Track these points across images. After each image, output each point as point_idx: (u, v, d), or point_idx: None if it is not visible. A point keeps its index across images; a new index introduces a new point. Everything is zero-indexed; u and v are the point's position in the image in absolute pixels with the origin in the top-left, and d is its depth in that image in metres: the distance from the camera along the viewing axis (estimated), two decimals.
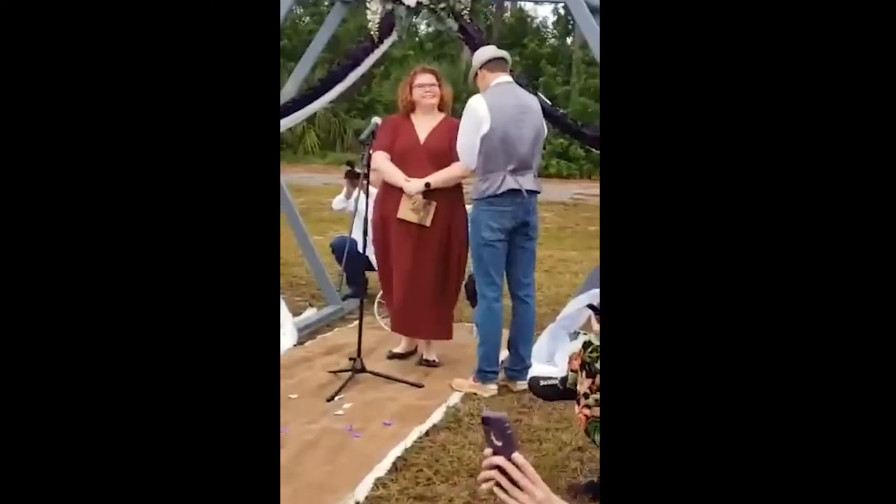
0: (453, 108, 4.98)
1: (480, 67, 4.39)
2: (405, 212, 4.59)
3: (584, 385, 3.03)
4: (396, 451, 3.55)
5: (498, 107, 4.21)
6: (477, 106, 4.24)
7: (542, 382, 3.93)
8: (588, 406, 2.99)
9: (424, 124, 4.69)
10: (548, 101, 4.75)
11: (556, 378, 3.55)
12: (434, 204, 4.58)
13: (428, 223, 4.59)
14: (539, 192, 4.40)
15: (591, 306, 3.29)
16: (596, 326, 3.08)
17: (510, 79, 4.42)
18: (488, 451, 1.44)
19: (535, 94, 4.56)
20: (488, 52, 4.44)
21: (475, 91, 4.43)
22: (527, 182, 4.30)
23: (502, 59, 4.40)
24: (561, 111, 4.75)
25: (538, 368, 4.53)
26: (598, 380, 2.96)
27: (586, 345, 3.09)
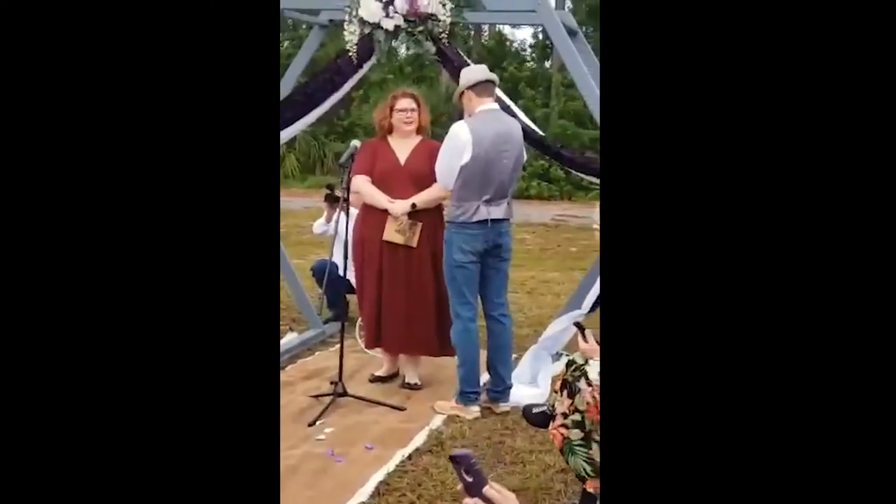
0: (432, 130, 4.99)
1: (468, 88, 4.33)
2: (391, 234, 4.58)
3: (562, 405, 3.01)
4: (379, 476, 3.53)
5: (481, 137, 4.19)
6: (461, 133, 4.21)
7: (535, 410, 3.92)
8: (565, 426, 2.98)
9: (403, 147, 4.70)
10: (531, 125, 4.76)
11: (544, 404, 3.55)
12: (420, 224, 4.58)
13: (415, 244, 4.58)
14: (509, 220, 4.41)
15: (577, 324, 3.29)
16: (582, 345, 3.07)
17: (496, 106, 4.39)
18: (460, 486, 1.50)
19: (517, 118, 4.56)
20: (478, 73, 4.37)
21: (455, 113, 4.43)
22: (500, 211, 4.30)
23: (490, 82, 4.36)
24: (541, 133, 4.75)
25: (520, 389, 4.53)
26: (576, 401, 2.95)
27: (569, 364, 3.08)
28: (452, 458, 1.53)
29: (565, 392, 3.01)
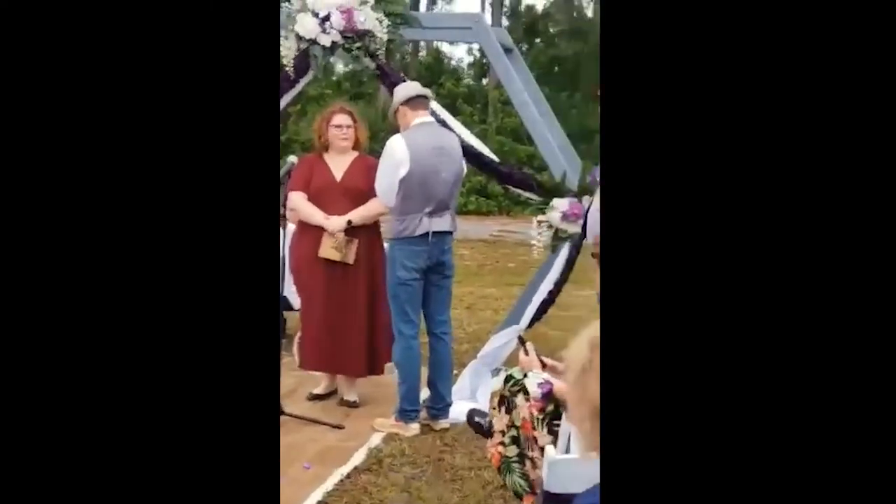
0: (371, 147, 4.98)
1: (402, 104, 4.34)
2: (327, 250, 4.55)
3: (500, 422, 3.01)
4: (317, 495, 3.49)
5: (418, 149, 4.20)
6: (397, 147, 4.21)
7: (476, 418, 3.91)
8: (503, 444, 2.98)
9: (339, 163, 4.67)
10: (472, 140, 4.77)
11: (486, 416, 3.55)
12: (356, 241, 4.55)
13: (351, 260, 4.56)
14: (453, 233, 4.42)
15: (519, 338, 3.29)
16: (523, 358, 3.07)
17: (432, 119, 4.41)
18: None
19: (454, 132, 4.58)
20: (410, 88, 4.39)
21: (392, 130, 4.43)
22: (444, 223, 4.31)
23: (424, 97, 4.38)
24: (479, 150, 4.77)
25: (460, 405, 4.52)
26: (513, 416, 2.95)
27: (507, 379, 3.08)
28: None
29: (503, 408, 3.01)
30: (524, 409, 2.92)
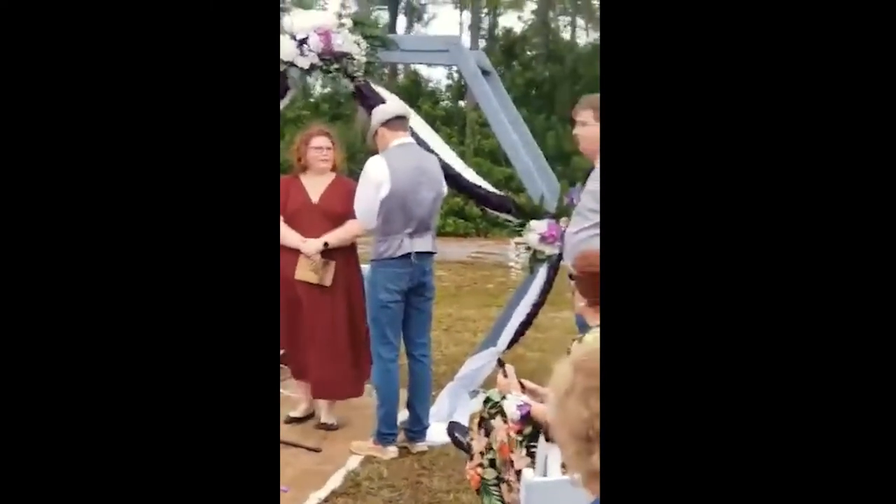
0: (348, 168, 4.97)
1: (381, 125, 4.32)
2: (304, 272, 4.53)
3: (479, 444, 3.01)
4: None
5: (398, 169, 4.19)
6: (376, 168, 4.20)
7: (457, 434, 3.90)
8: (481, 465, 2.97)
9: (316, 184, 4.66)
10: (451, 160, 4.77)
11: (467, 432, 3.54)
12: (333, 263, 4.54)
13: (328, 283, 4.54)
14: (435, 253, 4.42)
15: (499, 360, 3.29)
16: (501, 380, 3.07)
17: (411, 140, 4.40)
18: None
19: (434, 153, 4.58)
20: (389, 110, 4.38)
21: (371, 152, 4.43)
22: (425, 244, 4.31)
23: (403, 117, 4.37)
24: (458, 170, 4.78)
25: (437, 427, 4.51)
26: (491, 438, 2.95)
27: (486, 401, 3.08)
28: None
29: (482, 431, 3.01)
30: (501, 431, 2.92)
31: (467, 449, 3.30)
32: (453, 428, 3.75)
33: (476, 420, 3.10)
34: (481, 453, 2.98)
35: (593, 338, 2.74)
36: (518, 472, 2.79)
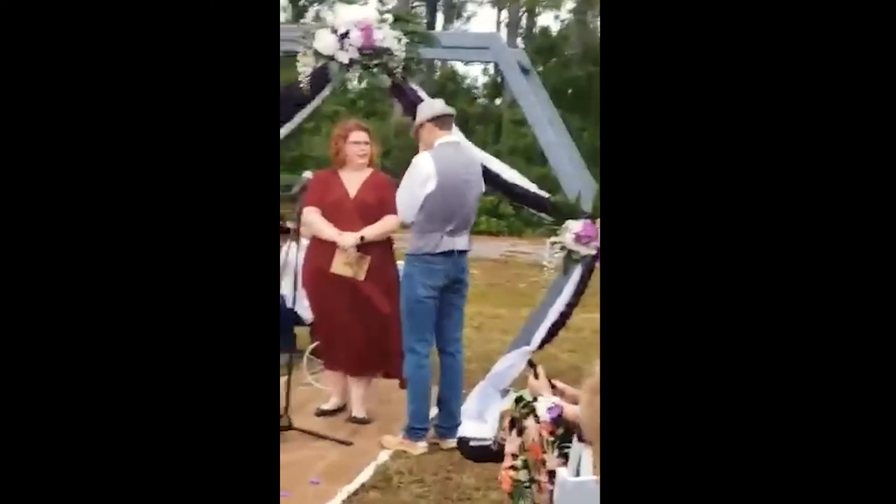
0: (381, 163, 4.99)
1: (428, 121, 4.32)
2: (339, 266, 4.55)
3: (512, 444, 3.00)
4: None
5: (445, 168, 4.20)
6: (424, 164, 4.21)
7: (472, 443, 3.89)
8: (515, 468, 2.95)
9: (354, 179, 4.68)
10: (491, 162, 4.76)
11: (488, 439, 3.52)
12: (368, 258, 4.55)
13: (362, 277, 4.55)
14: (468, 252, 4.42)
15: (529, 362, 3.28)
16: (532, 382, 3.07)
17: (458, 139, 4.41)
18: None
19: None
20: (436, 107, 4.38)
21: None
22: (463, 242, 4.32)
23: (449, 115, 4.37)
24: (495, 169, 4.77)
25: (468, 425, 4.51)
26: (525, 438, 2.94)
27: (518, 400, 3.07)
28: None
29: (514, 431, 3.00)
30: (534, 431, 2.91)
31: (495, 454, 3.29)
32: (467, 442, 3.74)
33: (507, 419, 3.09)
34: (514, 455, 2.97)
35: None
36: (550, 473, 2.78)
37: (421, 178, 4.20)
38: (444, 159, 4.23)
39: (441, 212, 4.21)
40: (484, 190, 4.54)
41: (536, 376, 3.06)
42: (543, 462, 2.87)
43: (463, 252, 4.35)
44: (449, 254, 4.26)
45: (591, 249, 4.53)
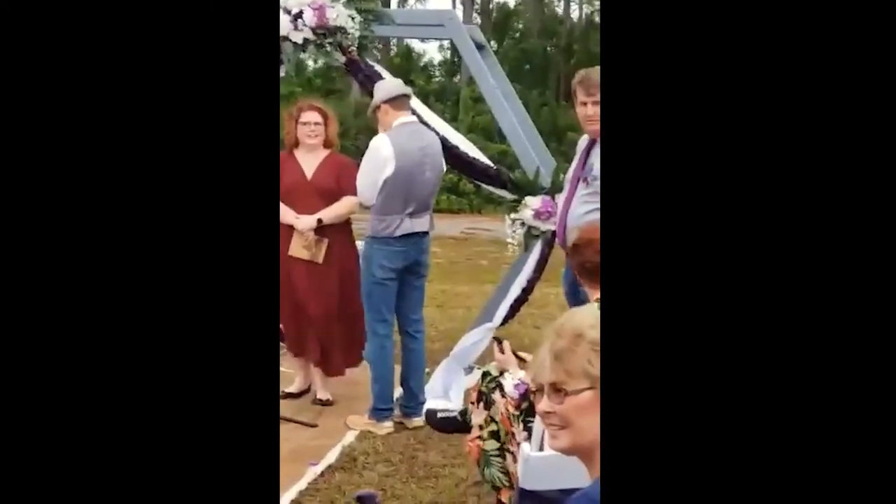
0: (341, 144, 4.94)
1: (384, 102, 4.28)
2: (297, 249, 4.52)
3: (479, 416, 3.02)
4: (291, 494, 3.47)
5: (403, 149, 4.17)
6: (382, 146, 4.17)
7: (440, 414, 3.91)
8: (481, 438, 2.98)
9: (310, 161, 4.62)
10: (450, 135, 4.75)
11: (454, 410, 3.54)
12: (326, 240, 4.52)
13: (320, 260, 4.53)
14: (429, 233, 4.41)
15: (495, 338, 3.30)
16: (499, 356, 3.08)
17: (414, 118, 4.38)
18: None
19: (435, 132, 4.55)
20: (393, 87, 4.35)
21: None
22: (423, 224, 4.31)
23: (406, 95, 4.34)
24: (455, 143, 4.75)
25: (433, 403, 4.52)
26: (492, 411, 2.96)
27: (484, 375, 3.09)
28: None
29: (481, 404, 3.02)
30: (501, 405, 2.94)
31: (463, 425, 3.31)
32: (434, 413, 3.76)
33: (474, 394, 3.11)
34: (480, 426, 3.00)
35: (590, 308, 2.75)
36: (519, 445, 2.82)
37: (379, 162, 4.17)
38: (402, 141, 4.20)
39: (400, 194, 4.19)
40: (445, 169, 4.52)
41: (503, 351, 3.08)
42: (513, 434, 2.90)
43: (423, 234, 4.34)
44: (409, 236, 4.24)
45: (550, 225, 4.54)
